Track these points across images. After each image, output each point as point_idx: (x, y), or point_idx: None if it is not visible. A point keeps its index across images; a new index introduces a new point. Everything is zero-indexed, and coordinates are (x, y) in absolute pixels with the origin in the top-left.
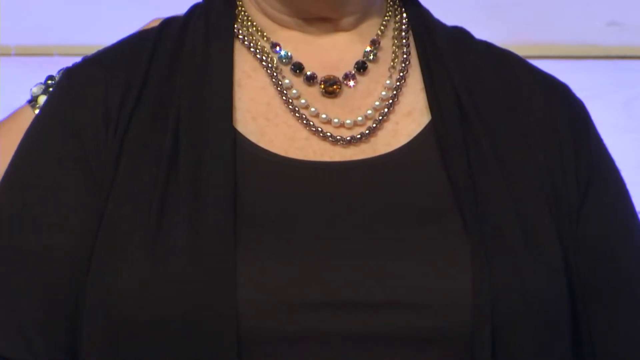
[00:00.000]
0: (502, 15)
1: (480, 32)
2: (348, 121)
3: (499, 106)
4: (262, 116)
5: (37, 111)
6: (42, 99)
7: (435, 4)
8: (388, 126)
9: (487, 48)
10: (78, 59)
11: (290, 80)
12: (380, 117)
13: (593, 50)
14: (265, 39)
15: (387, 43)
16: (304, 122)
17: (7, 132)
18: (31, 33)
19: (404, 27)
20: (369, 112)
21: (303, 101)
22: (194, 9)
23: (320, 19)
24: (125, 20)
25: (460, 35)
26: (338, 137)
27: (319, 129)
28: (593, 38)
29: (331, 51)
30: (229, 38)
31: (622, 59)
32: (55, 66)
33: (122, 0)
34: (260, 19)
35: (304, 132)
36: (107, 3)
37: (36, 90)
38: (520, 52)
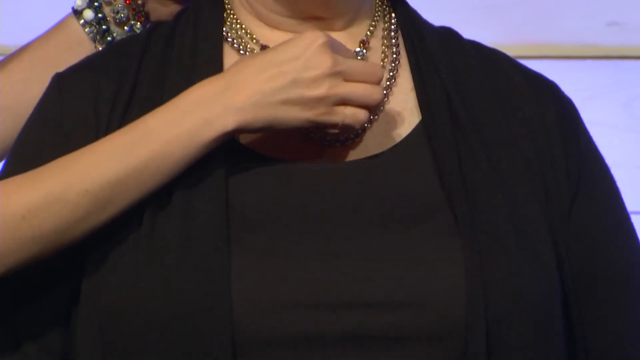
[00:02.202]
0: (502, 16)
1: (479, 33)
2: None
3: (489, 105)
4: None
5: (82, 21)
6: (87, 13)
7: (435, 4)
8: (379, 126)
9: (476, 48)
10: None
11: None
12: (372, 117)
13: (593, 51)
14: (254, 41)
15: (376, 43)
16: None
17: (49, 44)
18: (31, 33)
19: (393, 27)
20: None
21: None
22: (181, 13)
23: (313, 17)
24: None
25: (449, 35)
26: (329, 139)
27: (310, 131)
28: (593, 38)
29: None
30: (218, 41)
31: (622, 59)
32: None
33: None
34: (250, 21)
35: (295, 135)
36: None
37: (80, 2)
38: (520, 52)
